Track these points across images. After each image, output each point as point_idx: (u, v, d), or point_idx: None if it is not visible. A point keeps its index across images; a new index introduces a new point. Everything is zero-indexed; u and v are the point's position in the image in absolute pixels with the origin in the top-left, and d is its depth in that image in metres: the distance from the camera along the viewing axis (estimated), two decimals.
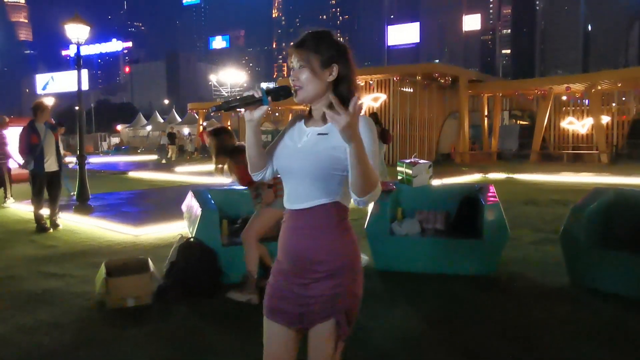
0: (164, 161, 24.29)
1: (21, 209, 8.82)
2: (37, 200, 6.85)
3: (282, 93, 1.63)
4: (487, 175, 14.25)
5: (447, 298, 4.07)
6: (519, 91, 22.75)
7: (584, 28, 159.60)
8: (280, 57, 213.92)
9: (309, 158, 1.62)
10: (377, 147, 1.58)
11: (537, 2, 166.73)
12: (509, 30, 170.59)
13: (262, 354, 1.73)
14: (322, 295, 1.63)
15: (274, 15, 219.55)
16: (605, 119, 21.32)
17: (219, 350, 3.14)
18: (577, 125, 22.46)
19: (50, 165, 6.85)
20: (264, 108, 1.63)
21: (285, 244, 1.70)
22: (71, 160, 10.40)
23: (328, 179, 1.61)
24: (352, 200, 1.59)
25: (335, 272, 1.63)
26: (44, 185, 6.88)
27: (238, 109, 1.63)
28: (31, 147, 6.64)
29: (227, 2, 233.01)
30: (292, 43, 1.68)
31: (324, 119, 1.65)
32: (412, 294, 4.18)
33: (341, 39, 1.74)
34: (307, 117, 1.74)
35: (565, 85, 20.48)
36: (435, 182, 6.21)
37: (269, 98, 1.61)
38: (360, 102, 1.45)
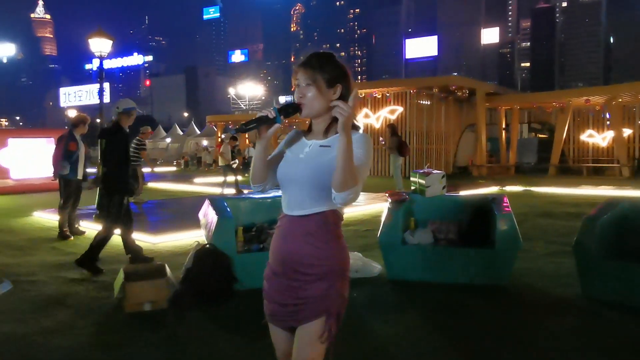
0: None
1: (43, 218, 9.05)
2: (64, 207, 7.12)
3: (291, 110, 1.75)
4: (504, 188, 14.15)
5: (459, 308, 4.09)
6: (536, 104, 22.57)
7: (605, 40, 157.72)
8: None
9: (312, 167, 1.72)
10: (368, 160, 1.70)
11: (557, 15, 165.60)
12: (528, 43, 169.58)
13: (272, 359, 1.89)
14: (314, 296, 1.71)
15: (292, 29, 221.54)
16: (627, 132, 21.01)
17: (231, 355, 3.21)
18: (598, 138, 22.17)
19: (80, 174, 7.26)
20: (277, 126, 1.74)
21: (278, 248, 1.79)
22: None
23: (328, 187, 1.69)
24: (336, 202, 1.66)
25: (325, 276, 1.72)
26: (74, 192, 7.16)
27: (255, 129, 1.72)
28: (70, 154, 7.08)
29: (246, 17, 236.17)
30: (298, 62, 1.79)
31: (325, 133, 1.78)
32: (424, 303, 4.21)
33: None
34: (307, 131, 1.86)
35: (585, 98, 20.28)
36: (453, 194, 6.21)
37: (282, 116, 1.72)
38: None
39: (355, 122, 1.72)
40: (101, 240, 5.28)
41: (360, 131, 1.76)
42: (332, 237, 1.74)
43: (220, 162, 13.39)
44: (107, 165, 5.25)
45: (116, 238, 7.11)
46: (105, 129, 5.50)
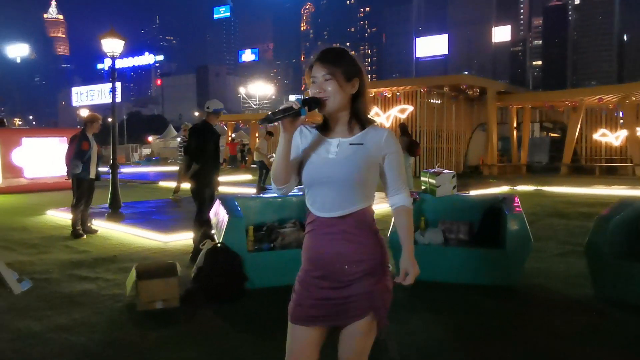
0: None
1: (57, 216, 9.16)
2: (77, 206, 7.19)
3: (314, 104, 1.70)
4: (515, 188, 14.06)
5: (468, 308, 4.08)
6: (548, 103, 22.38)
7: (619, 38, 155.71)
8: None
9: (348, 167, 1.69)
10: (402, 156, 1.79)
11: (570, 12, 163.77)
12: (540, 41, 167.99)
13: (282, 358, 1.81)
14: (363, 292, 1.71)
15: (302, 29, 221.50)
16: None
17: (241, 353, 3.24)
18: (611, 137, 21.93)
19: (92, 173, 7.30)
20: (302, 119, 1.68)
21: (319, 251, 1.74)
22: None
23: (365, 185, 1.71)
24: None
25: (372, 270, 1.73)
26: (87, 191, 7.24)
27: (281, 120, 1.66)
28: (82, 153, 7.14)
29: (256, 16, 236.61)
30: (312, 57, 1.75)
31: (349, 130, 1.75)
32: (433, 303, 4.21)
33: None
34: (323, 128, 1.79)
35: (597, 96, 20.07)
36: (463, 194, 6.19)
37: (306, 108, 1.67)
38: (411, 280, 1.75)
39: (369, 117, 1.79)
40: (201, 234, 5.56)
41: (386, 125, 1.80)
42: (372, 233, 1.76)
43: (256, 157, 13.30)
44: (200, 161, 5.51)
45: (122, 236, 7.19)
46: (198, 128, 5.73)
